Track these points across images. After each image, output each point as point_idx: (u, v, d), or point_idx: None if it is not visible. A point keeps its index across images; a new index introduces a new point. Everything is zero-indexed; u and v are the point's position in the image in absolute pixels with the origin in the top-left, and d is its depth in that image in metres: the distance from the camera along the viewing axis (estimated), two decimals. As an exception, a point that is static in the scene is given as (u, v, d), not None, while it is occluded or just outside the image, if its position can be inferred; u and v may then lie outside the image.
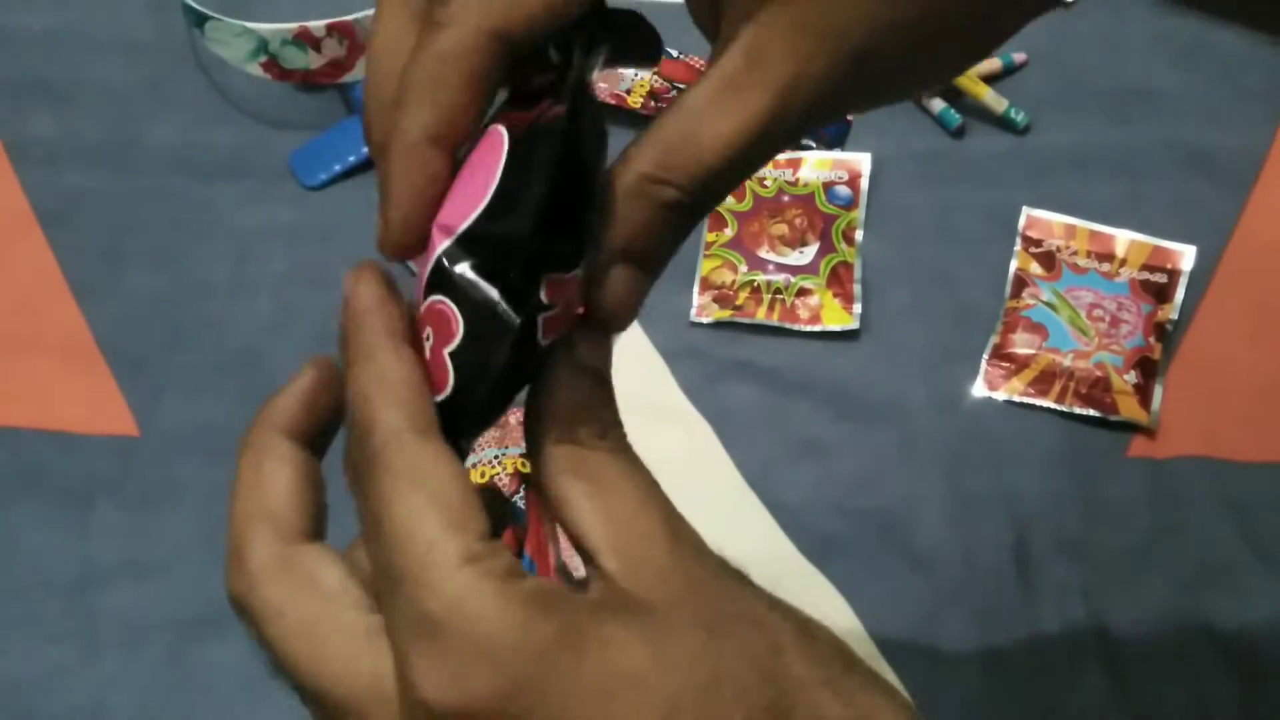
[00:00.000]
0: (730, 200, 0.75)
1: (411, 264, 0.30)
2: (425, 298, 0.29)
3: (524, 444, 0.30)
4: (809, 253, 0.73)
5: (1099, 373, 0.68)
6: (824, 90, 0.29)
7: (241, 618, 0.29)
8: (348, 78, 0.77)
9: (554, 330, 0.29)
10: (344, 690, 0.27)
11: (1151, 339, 0.69)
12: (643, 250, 0.29)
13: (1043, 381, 0.69)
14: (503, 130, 0.29)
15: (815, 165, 0.76)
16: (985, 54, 0.32)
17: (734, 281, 0.72)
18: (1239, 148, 0.77)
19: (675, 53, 0.80)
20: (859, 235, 0.74)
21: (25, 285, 0.74)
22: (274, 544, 0.29)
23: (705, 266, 0.73)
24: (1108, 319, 0.70)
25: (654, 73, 0.79)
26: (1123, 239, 0.73)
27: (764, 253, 0.73)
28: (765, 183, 0.76)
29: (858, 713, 0.27)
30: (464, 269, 0.28)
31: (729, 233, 0.74)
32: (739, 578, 0.29)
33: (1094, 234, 0.73)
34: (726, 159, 0.28)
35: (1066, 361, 0.69)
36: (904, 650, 0.61)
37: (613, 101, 0.78)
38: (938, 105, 0.78)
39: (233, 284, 0.74)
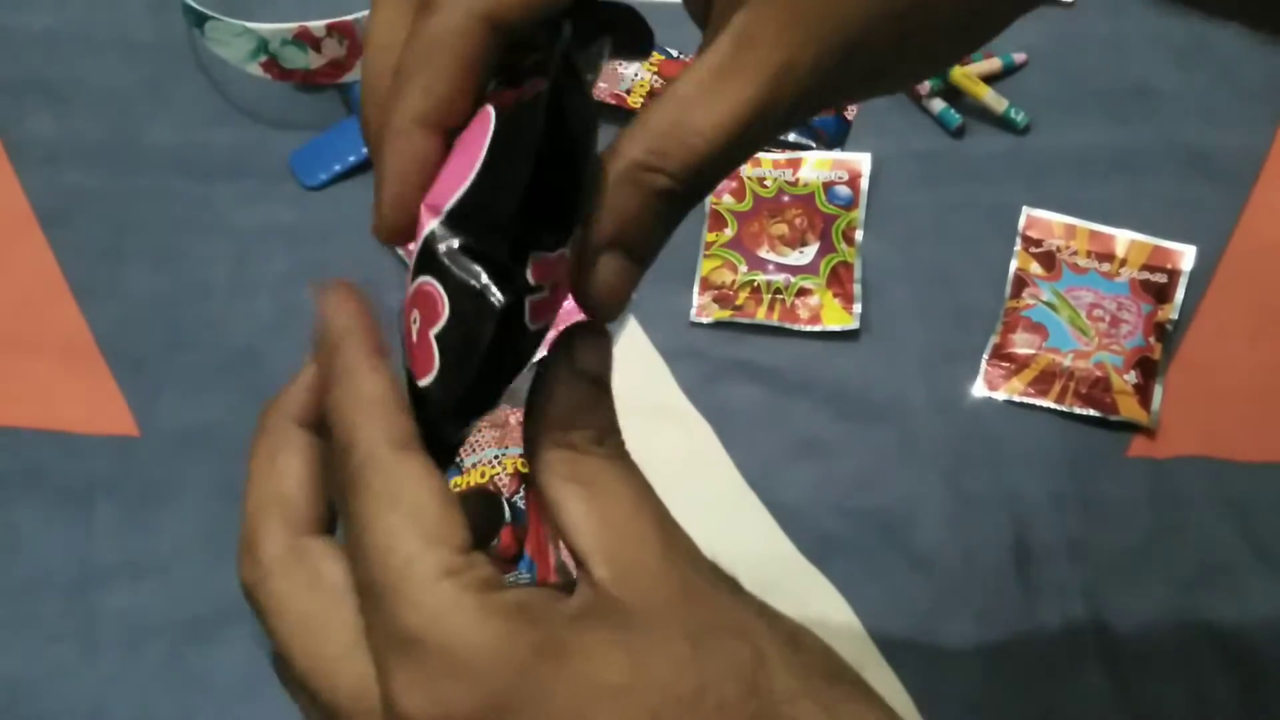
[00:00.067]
0: (730, 200, 0.75)
1: (402, 252, 0.30)
2: (413, 280, 0.29)
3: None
4: (809, 253, 0.73)
5: (1099, 373, 0.68)
6: (815, 78, 0.28)
7: (251, 606, 0.29)
8: (348, 78, 0.77)
9: (542, 314, 0.29)
10: (333, 694, 0.27)
11: (1151, 339, 0.69)
12: (633, 239, 0.29)
13: (1043, 381, 0.69)
14: (490, 109, 0.29)
15: (815, 165, 0.76)
16: (977, 46, 0.32)
17: (734, 281, 0.72)
18: (1239, 148, 0.77)
19: (675, 52, 0.80)
20: (859, 235, 0.74)
21: (25, 285, 0.74)
22: (285, 535, 0.29)
23: (705, 266, 0.73)
24: (1108, 319, 0.70)
25: (654, 73, 0.79)
26: (1123, 239, 0.73)
27: (764, 253, 0.73)
28: (765, 183, 0.76)
29: None
30: (449, 248, 0.28)
31: (729, 233, 0.74)
32: (730, 584, 0.29)
33: (1094, 234, 0.73)
34: (717, 147, 0.28)
35: (1066, 361, 0.69)
36: (904, 650, 0.61)
37: (613, 101, 0.78)
38: (938, 105, 0.78)
39: (233, 284, 0.74)
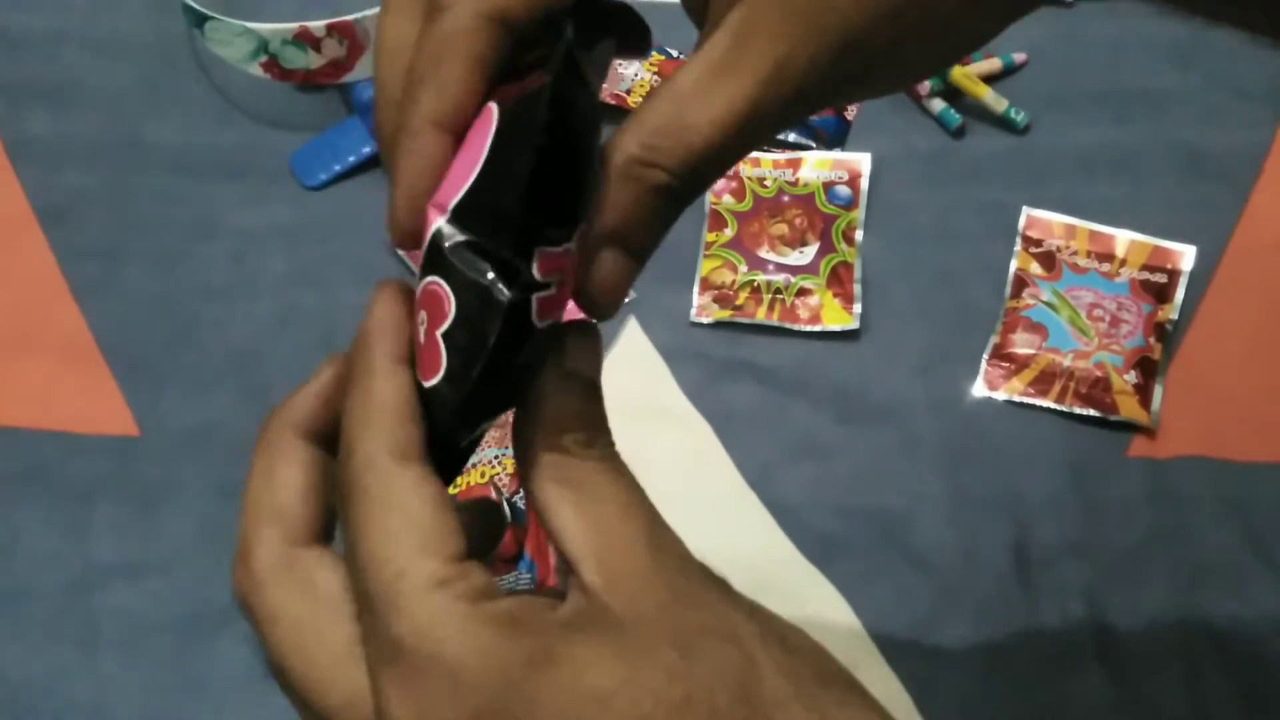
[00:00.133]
0: (730, 200, 0.75)
1: (410, 262, 0.30)
2: (421, 280, 0.29)
3: None
4: (809, 253, 0.73)
5: (1099, 373, 0.68)
6: (812, 76, 0.28)
7: (244, 615, 0.29)
8: (348, 78, 0.77)
9: (549, 311, 0.28)
10: (327, 703, 0.27)
11: (1151, 339, 0.69)
12: (631, 234, 0.29)
13: (1043, 381, 0.69)
14: (493, 106, 0.29)
15: (815, 165, 0.76)
16: (976, 46, 0.32)
17: (734, 281, 0.72)
18: (1239, 148, 0.77)
19: (675, 52, 0.80)
20: (859, 235, 0.74)
21: (25, 285, 0.74)
22: (280, 545, 0.29)
23: (705, 266, 0.73)
24: (1108, 319, 0.70)
25: (654, 73, 0.79)
26: (1123, 239, 0.73)
27: (764, 253, 0.73)
28: (765, 183, 0.76)
29: None
30: (455, 245, 0.28)
31: (729, 233, 0.74)
32: (720, 587, 0.29)
33: (1094, 234, 0.73)
34: (715, 143, 0.28)
35: (1066, 361, 0.69)
36: (904, 650, 0.61)
37: (613, 101, 0.78)
38: (938, 105, 0.78)
39: (233, 284, 0.74)
